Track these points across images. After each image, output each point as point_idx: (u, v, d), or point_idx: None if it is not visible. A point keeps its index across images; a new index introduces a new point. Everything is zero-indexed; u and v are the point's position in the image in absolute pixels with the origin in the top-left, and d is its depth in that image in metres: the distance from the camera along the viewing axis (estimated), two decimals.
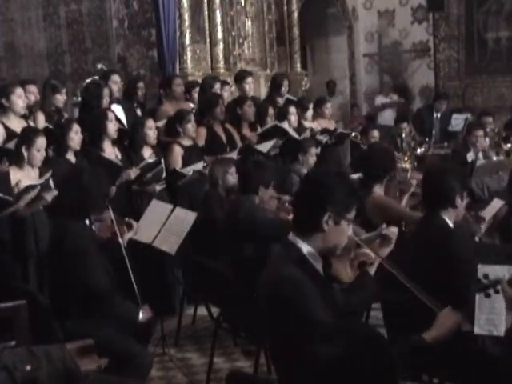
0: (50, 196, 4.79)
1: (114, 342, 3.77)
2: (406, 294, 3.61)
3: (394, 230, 2.99)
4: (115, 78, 7.16)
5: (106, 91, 6.53)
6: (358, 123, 11.13)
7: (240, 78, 8.08)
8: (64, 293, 3.92)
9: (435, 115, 9.90)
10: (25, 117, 5.98)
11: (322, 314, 2.60)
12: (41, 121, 6.18)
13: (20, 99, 5.72)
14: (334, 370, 2.56)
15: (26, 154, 5.03)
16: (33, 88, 6.50)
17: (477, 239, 4.44)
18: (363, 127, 8.41)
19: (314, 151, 6.77)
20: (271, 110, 7.36)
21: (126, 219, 4.44)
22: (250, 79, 8.03)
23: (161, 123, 6.62)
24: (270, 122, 7.24)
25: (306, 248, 2.74)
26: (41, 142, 5.08)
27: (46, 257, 4.30)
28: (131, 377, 3.73)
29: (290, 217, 5.13)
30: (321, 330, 2.58)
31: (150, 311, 4.08)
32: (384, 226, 3.01)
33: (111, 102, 6.80)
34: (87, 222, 4.12)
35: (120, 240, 4.25)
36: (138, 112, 7.37)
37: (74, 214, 3.99)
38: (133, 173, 5.65)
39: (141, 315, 4.02)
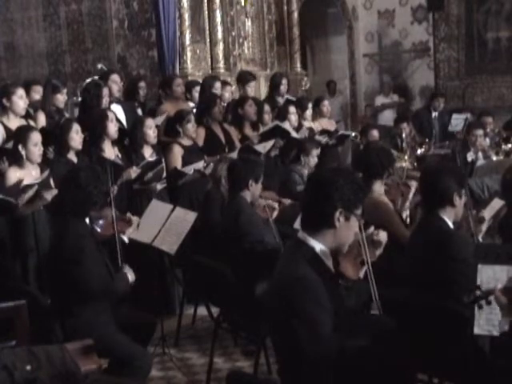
0: (49, 195, 4.79)
1: (113, 343, 3.77)
2: (405, 294, 3.63)
3: (383, 235, 3.00)
4: (115, 77, 7.15)
5: (105, 91, 6.52)
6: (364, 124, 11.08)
7: (244, 80, 8.06)
8: (63, 292, 3.92)
9: (433, 114, 9.91)
10: (28, 116, 5.98)
11: (328, 320, 2.61)
12: (41, 121, 6.18)
13: (21, 100, 5.72)
14: (359, 363, 2.57)
15: (23, 152, 5.04)
16: (38, 88, 6.52)
17: (480, 239, 4.41)
18: (363, 127, 8.41)
19: (316, 153, 6.77)
20: (267, 107, 7.36)
21: (128, 214, 4.46)
22: (253, 83, 8.05)
23: (159, 120, 6.62)
24: (268, 119, 7.24)
25: (317, 246, 2.78)
26: (36, 136, 5.08)
27: (47, 256, 4.31)
28: (131, 377, 3.73)
29: (275, 214, 5.17)
30: (320, 334, 2.60)
31: (131, 270, 4.09)
32: (372, 228, 3.02)
33: (111, 102, 6.80)
34: (87, 220, 4.14)
35: (122, 237, 4.28)
36: (139, 112, 7.37)
37: (73, 212, 4.01)
38: (133, 172, 5.65)
39: (130, 278, 4.05)
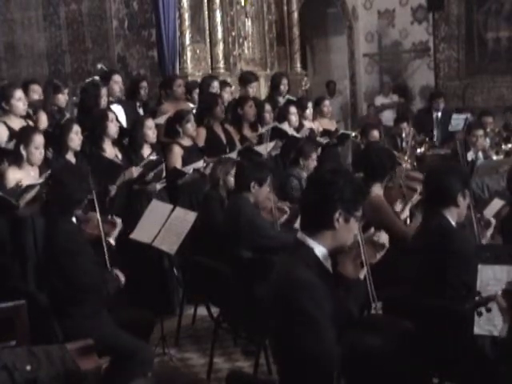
0: None
1: (114, 339, 3.78)
2: (406, 294, 3.62)
3: (384, 237, 2.99)
4: (117, 77, 7.16)
5: (103, 91, 6.51)
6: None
7: (245, 80, 8.05)
8: (60, 291, 3.92)
9: (434, 115, 9.89)
10: (28, 116, 5.97)
11: (328, 321, 2.61)
12: (43, 121, 6.16)
13: (20, 102, 5.69)
14: (372, 361, 2.57)
15: (24, 153, 5.03)
16: (36, 87, 6.51)
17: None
18: (363, 127, 8.41)
19: (315, 156, 6.74)
20: (268, 106, 7.35)
21: (109, 217, 4.45)
22: (255, 84, 8.04)
23: (161, 119, 6.62)
24: (269, 118, 7.23)
25: (317, 247, 2.77)
26: (39, 139, 5.07)
27: (43, 255, 4.32)
28: (134, 371, 3.72)
29: (284, 218, 5.17)
30: (322, 334, 2.59)
31: (121, 273, 4.08)
32: (372, 230, 3.01)
33: (112, 102, 6.79)
34: (74, 219, 4.14)
35: (109, 240, 4.27)
36: (141, 111, 7.36)
37: (59, 211, 4.04)
38: (135, 171, 5.64)
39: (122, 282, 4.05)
